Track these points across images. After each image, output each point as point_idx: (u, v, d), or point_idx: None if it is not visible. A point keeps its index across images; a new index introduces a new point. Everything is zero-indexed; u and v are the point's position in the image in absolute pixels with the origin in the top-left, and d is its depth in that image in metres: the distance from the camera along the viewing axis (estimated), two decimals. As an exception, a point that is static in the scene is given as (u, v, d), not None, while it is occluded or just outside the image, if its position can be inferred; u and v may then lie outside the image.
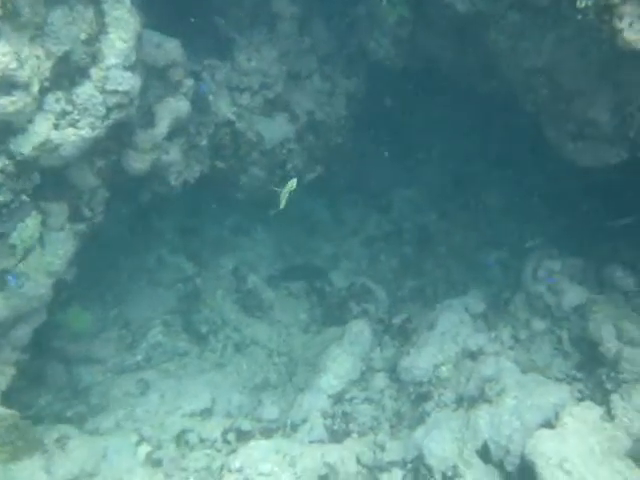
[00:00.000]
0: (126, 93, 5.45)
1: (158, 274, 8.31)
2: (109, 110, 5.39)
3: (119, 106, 5.47)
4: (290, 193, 5.61)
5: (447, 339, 6.48)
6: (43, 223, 5.63)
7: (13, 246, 5.46)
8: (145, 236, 8.44)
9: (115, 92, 5.37)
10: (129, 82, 5.44)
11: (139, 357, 7.35)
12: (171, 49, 6.22)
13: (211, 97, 7.03)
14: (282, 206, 5.64)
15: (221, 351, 7.66)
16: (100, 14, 5.34)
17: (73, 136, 5.20)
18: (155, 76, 6.24)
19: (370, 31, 6.97)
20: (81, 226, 5.97)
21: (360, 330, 7.07)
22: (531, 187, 8.37)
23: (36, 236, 5.59)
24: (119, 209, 7.07)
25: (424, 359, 6.42)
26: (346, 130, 7.80)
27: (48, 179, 5.46)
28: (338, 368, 6.66)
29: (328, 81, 7.63)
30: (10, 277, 5.47)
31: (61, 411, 6.42)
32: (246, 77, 7.17)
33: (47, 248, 5.71)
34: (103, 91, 5.33)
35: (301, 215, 9.17)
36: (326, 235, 9.09)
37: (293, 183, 5.59)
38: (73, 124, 5.20)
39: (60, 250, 5.79)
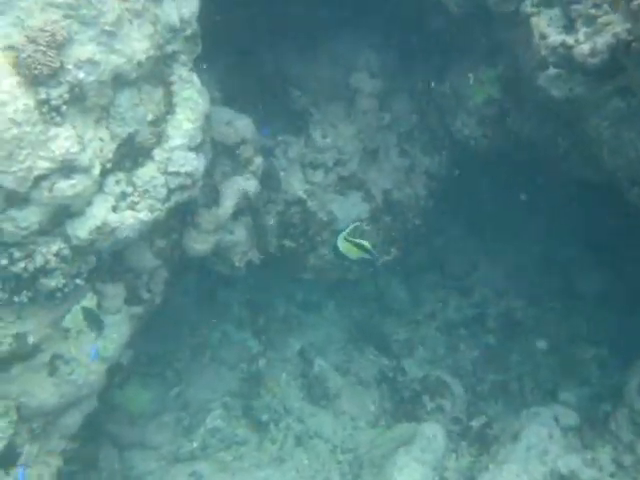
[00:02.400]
0: (189, 175, 5.18)
1: (222, 351, 7.94)
2: (170, 192, 5.13)
3: (182, 188, 5.20)
4: (361, 237, 5.05)
5: (533, 457, 5.64)
6: (98, 306, 5.40)
7: (67, 330, 5.26)
8: (211, 309, 8.15)
9: (177, 174, 5.12)
10: (193, 163, 5.18)
11: (195, 444, 6.93)
12: (241, 127, 5.99)
13: (282, 173, 6.74)
14: (375, 253, 5.08)
15: (281, 442, 7.10)
16: (169, 94, 5.17)
17: (131, 219, 4.93)
18: (224, 154, 6.01)
19: (455, 109, 6.50)
20: (138, 309, 5.69)
21: (433, 435, 6.33)
22: (634, 277, 7.47)
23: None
24: (184, 281, 6.82)
25: (506, 478, 5.60)
26: (425, 210, 7.26)
27: (105, 260, 5.24)
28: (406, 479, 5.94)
29: (407, 158, 7.15)
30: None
31: (107, 504, 6.07)
32: (320, 154, 6.83)
33: (101, 332, 5.45)
34: (165, 172, 5.09)
35: (374, 294, 8.63)
36: (401, 317, 8.45)
37: (354, 229, 5.04)
38: (132, 207, 4.95)
39: (115, 334, 5.51)
